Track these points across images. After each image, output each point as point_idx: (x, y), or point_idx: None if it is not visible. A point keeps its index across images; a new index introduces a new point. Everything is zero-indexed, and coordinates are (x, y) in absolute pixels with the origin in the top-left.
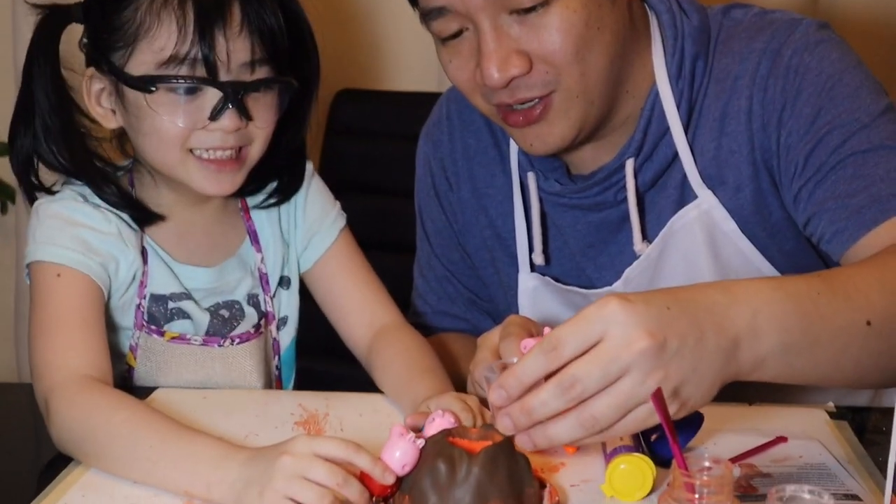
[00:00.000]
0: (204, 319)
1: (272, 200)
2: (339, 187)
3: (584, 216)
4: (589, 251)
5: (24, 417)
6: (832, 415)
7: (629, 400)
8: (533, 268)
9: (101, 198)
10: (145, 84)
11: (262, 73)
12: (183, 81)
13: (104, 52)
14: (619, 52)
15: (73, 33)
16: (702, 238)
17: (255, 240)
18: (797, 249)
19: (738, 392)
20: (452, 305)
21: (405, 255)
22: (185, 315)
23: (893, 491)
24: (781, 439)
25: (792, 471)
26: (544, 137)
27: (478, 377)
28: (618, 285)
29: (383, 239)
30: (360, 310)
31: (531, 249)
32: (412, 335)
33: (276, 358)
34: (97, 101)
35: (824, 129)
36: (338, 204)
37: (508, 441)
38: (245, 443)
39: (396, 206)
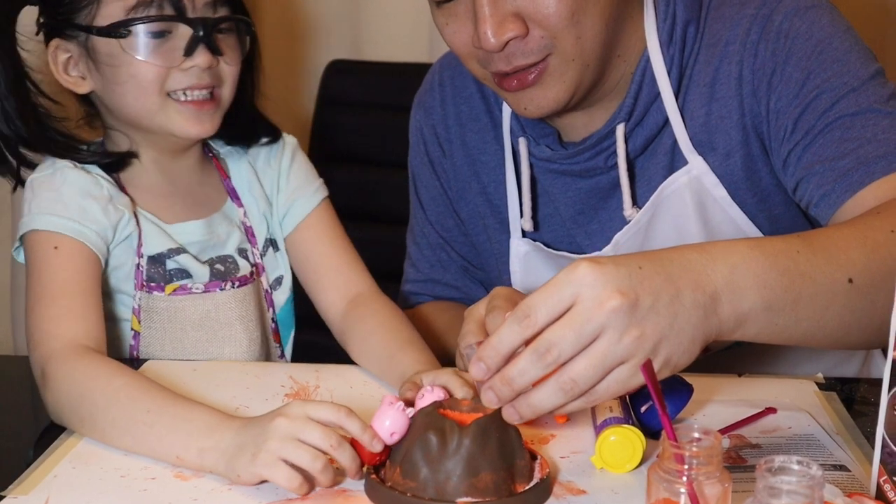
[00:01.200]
0: (203, 272)
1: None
2: (330, 158)
3: (574, 183)
4: (579, 218)
5: (19, 391)
6: (821, 386)
7: (606, 359)
8: (524, 233)
9: (74, 158)
10: (118, 29)
11: (223, 12)
12: (155, 20)
13: (68, 18)
14: (614, 14)
15: (27, 16)
16: (692, 204)
17: (234, 196)
18: (786, 215)
19: (727, 363)
20: (445, 273)
21: (396, 226)
22: (184, 274)
23: (881, 461)
24: (770, 410)
25: (781, 442)
26: (538, 101)
27: (462, 351)
28: (607, 250)
29: (374, 210)
30: (336, 276)
31: (522, 215)
32: (388, 305)
33: (272, 311)
34: (65, 70)
35: (813, 92)
36: (321, 179)
37: (499, 413)
38: (236, 415)
39: (388, 177)
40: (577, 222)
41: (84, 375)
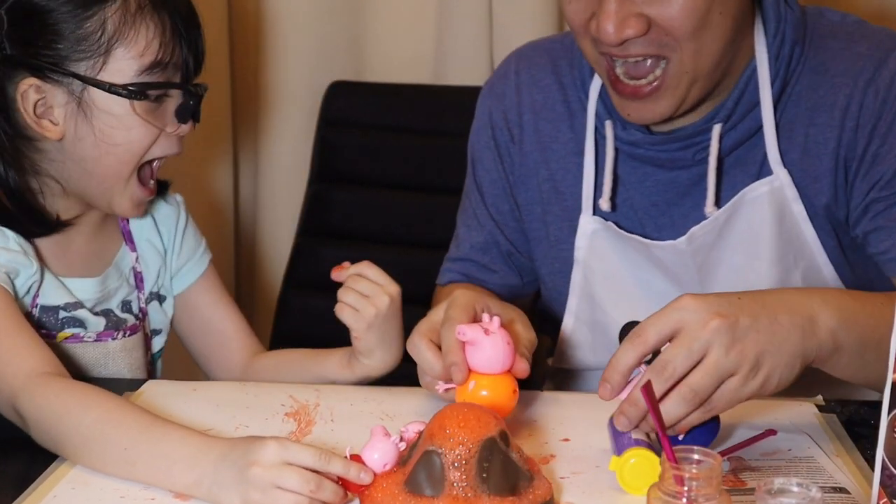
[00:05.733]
0: (99, 322)
1: None
2: (332, 179)
3: (654, 173)
4: (652, 209)
5: None
6: (821, 408)
7: (718, 370)
8: (595, 212)
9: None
10: (131, 89)
11: (199, 78)
12: (171, 87)
13: (59, 63)
14: (733, 37)
15: None
16: (769, 213)
17: (129, 240)
18: (850, 246)
19: None
20: (486, 255)
21: (397, 247)
22: (77, 323)
23: (881, 484)
24: (770, 432)
25: (780, 464)
26: (643, 112)
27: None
28: (681, 240)
29: (376, 231)
30: (238, 336)
31: (598, 196)
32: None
33: (149, 354)
34: (33, 111)
35: None
36: (204, 239)
37: (503, 433)
38: (235, 435)
39: (389, 199)
40: (649, 213)
41: (55, 414)
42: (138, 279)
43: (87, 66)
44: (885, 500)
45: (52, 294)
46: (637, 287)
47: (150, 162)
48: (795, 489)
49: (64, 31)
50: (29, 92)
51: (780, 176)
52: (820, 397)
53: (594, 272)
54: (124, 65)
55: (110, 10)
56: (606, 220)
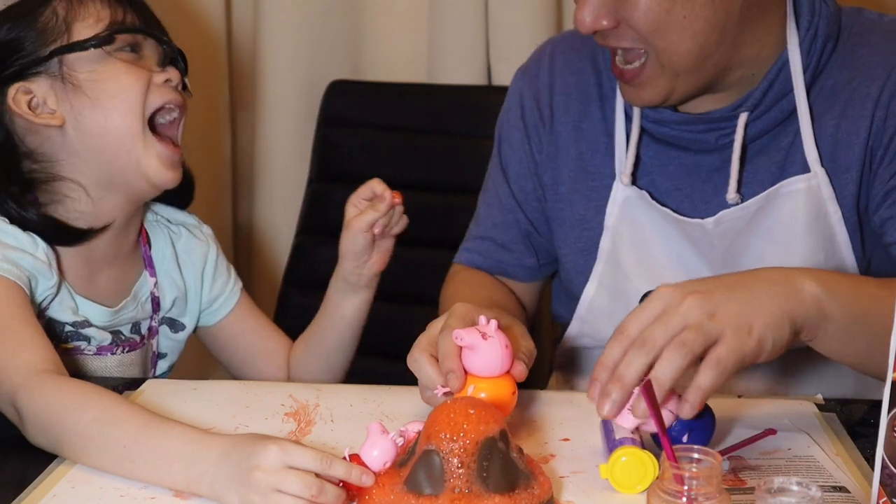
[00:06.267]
0: (105, 337)
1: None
2: (331, 178)
3: (677, 156)
4: (674, 193)
5: None
6: (821, 407)
7: (702, 329)
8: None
9: (22, 225)
10: (101, 38)
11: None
12: (135, 31)
13: (32, 58)
14: (716, 38)
15: None
16: (804, 210)
17: (149, 265)
18: (870, 241)
19: (727, 385)
20: (505, 233)
21: (397, 246)
22: (82, 337)
23: (881, 483)
24: (770, 431)
25: (780, 463)
26: (633, 97)
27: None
28: (709, 221)
29: None
30: (281, 350)
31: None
32: None
33: (153, 372)
34: (30, 110)
35: None
36: (233, 269)
37: (503, 432)
38: (217, 433)
39: None
40: (671, 197)
41: (53, 413)
42: (155, 303)
43: (57, 44)
44: (884, 499)
45: (64, 311)
46: (665, 256)
47: (157, 114)
48: (795, 488)
49: (26, 36)
50: (18, 95)
51: (818, 174)
52: (820, 397)
53: (623, 238)
54: (85, 31)
55: (56, 2)
56: (641, 189)
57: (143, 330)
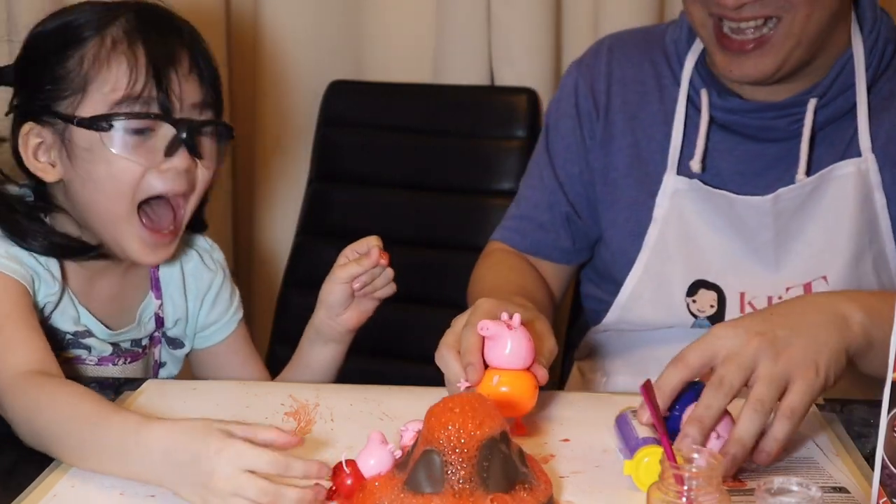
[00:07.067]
0: (105, 349)
1: None
2: (331, 178)
3: (742, 143)
4: (737, 177)
5: None
6: (820, 407)
7: (773, 379)
8: (679, 172)
9: (21, 244)
10: (100, 122)
11: (207, 114)
12: (138, 117)
13: (47, 104)
14: (837, 13)
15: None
16: (853, 193)
17: (156, 287)
18: None
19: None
20: (545, 213)
21: (397, 247)
22: (82, 346)
23: (881, 483)
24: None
25: (780, 463)
26: (747, 69)
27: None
28: (768, 198)
29: (375, 230)
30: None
31: (685, 159)
32: None
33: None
34: (34, 156)
35: None
36: (238, 296)
37: (503, 433)
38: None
39: (389, 198)
40: (734, 181)
41: (31, 409)
42: (158, 321)
43: (67, 105)
44: (884, 499)
45: (66, 320)
46: (711, 248)
47: (153, 199)
48: (795, 489)
49: (51, 72)
50: (29, 136)
51: (868, 160)
52: (820, 397)
53: (671, 229)
54: (97, 100)
55: (88, 48)
56: (691, 178)
57: (144, 342)
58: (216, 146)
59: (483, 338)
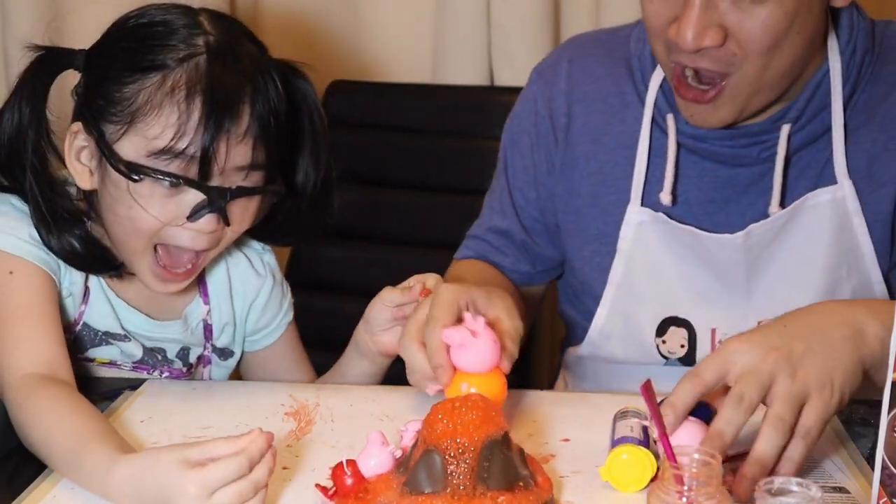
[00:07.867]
0: (137, 351)
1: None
2: None
3: (714, 170)
4: (708, 206)
5: None
6: None
7: (791, 396)
8: (644, 203)
9: (48, 246)
10: (130, 172)
11: (254, 178)
12: (169, 178)
13: (96, 119)
14: (804, 55)
15: (66, 77)
16: (829, 222)
17: (204, 293)
18: None
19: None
20: (500, 239)
21: (398, 247)
22: (115, 347)
23: (881, 483)
24: None
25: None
26: (706, 117)
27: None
28: (738, 235)
29: (375, 231)
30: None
31: (650, 187)
32: None
33: None
34: (77, 157)
35: None
36: (290, 300)
37: (505, 433)
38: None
39: (389, 198)
40: (705, 209)
41: (27, 416)
42: (207, 331)
43: (112, 130)
44: (885, 499)
45: (100, 318)
46: (679, 281)
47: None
48: (795, 488)
49: (108, 89)
50: (77, 136)
51: (844, 186)
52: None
53: (636, 263)
54: (138, 141)
55: (148, 81)
56: (656, 210)
57: (192, 358)
58: (257, 204)
59: None
